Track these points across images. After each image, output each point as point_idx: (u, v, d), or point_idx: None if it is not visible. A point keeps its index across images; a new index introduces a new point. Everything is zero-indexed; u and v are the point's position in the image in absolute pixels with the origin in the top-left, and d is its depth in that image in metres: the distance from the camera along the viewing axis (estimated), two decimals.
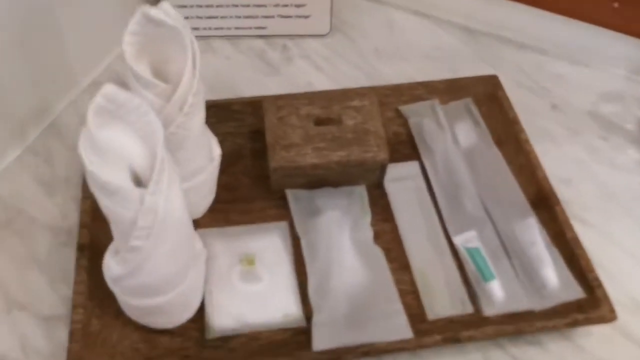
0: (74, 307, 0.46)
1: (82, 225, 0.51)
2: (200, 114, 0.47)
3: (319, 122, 0.55)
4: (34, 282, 0.52)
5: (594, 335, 0.50)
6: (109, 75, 0.66)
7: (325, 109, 0.56)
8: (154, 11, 0.42)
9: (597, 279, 0.50)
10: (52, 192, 0.57)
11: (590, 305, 0.48)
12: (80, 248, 0.49)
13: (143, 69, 0.44)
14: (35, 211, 0.56)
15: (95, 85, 0.65)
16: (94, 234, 0.51)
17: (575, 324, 0.48)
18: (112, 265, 0.42)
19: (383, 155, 0.54)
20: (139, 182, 0.40)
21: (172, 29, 0.42)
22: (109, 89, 0.37)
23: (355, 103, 0.57)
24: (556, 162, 0.61)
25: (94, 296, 0.48)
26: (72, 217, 0.56)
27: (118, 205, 0.38)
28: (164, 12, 0.43)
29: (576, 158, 0.63)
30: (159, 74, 0.45)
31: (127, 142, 0.38)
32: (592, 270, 0.50)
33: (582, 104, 0.68)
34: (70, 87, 0.64)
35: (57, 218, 0.56)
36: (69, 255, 0.52)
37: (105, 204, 0.38)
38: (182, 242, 0.43)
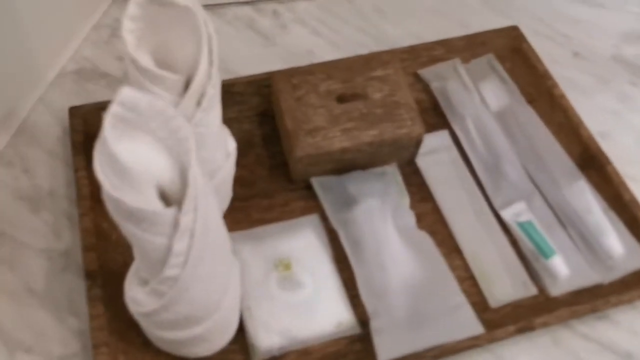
0: (95, 346, 0.40)
1: (87, 248, 0.44)
2: (218, 107, 0.40)
3: (342, 98, 0.49)
4: (35, 317, 0.44)
5: None
6: (77, 64, 0.57)
7: (346, 82, 0.49)
8: None
9: None
10: (36, 209, 0.49)
11: None
12: (90, 276, 0.42)
13: (147, 60, 0.36)
14: (21, 233, 0.48)
15: (64, 77, 0.57)
16: (100, 257, 0.44)
17: None
18: (141, 299, 0.35)
19: (419, 129, 0.48)
20: (165, 198, 0.33)
21: (182, 9, 0.35)
22: (127, 93, 0.29)
23: (379, 73, 0.50)
24: (589, 115, 0.56)
25: (116, 330, 0.41)
26: (66, 236, 0.48)
27: (148, 233, 0.31)
28: None
29: (609, 108, 0.59)
30: (163, 63, 0.38)
31: (151, 155, 0.31)
32: None
33: (604, 49, 0.64)
34: (36, 81, 0.55)
35: (50, 239, 0.48)
36: (73, 282, 0.46)
37: (133, 232, 0.31)
38: (220, 260, 0.37)
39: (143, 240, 0.32)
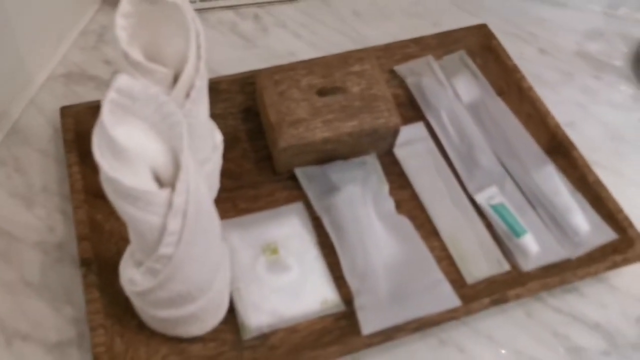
0: (93, 328, 0.41)
1: (81, 238, 0.46)
2: (206, 99, 0.43)
3: (323, 92, 0.52)
4: (32, 307, 0.46)
5: (626, 274, 0.50)
6: (66, 68, 0.60)
7: (326, 77, 0.52)
8: None
9: (627, 219, 0.49)
10: (31, 205, 0.51)
11: (625, 245, 0.48)
12: (85, 263, 0.44)
13: (137, 55, 0.39)
14: (16, 229, 0.50)
15: (54, 80, 0.59)
16: (94, 246, 0.45)
17: (615, 265, 0.47)
18: (137, 279, 0.38)
19: (395, 119, 0.51)
20: (159, 181, 0.35)
21: (172, 6, 0.37)
22: (123, 80, 0.32)
23: (356, 68, 0.53)
24: (556, 107, 0.59)
25: (111, 314, 0.43)
26: (60, 229, 0.50)
27: (143, 211, 0.33)
28: None
29: (574, 100, 0.63)
30: (154, 57, 0.40)
31: (146, 139, 0.34)
32: (620, 210, 0.50)
33: (568, 45, 0.67)
34: (27, 84, 0.57)
35: (44, 233, 0.50)
36: (67, 272, 0.47)
37: (128, 211, 0.34)
38: (212, 242, 0.39)
39: (138, 219, 0.34)
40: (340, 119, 0.50)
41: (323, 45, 0.65)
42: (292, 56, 0.63)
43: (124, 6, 0.37)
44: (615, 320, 0.48)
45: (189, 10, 0.38)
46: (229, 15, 0.67)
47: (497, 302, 0.45)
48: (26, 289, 0.47)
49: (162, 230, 0.35)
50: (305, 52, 0.64)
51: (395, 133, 0.52)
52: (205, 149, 0.45)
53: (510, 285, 0.46)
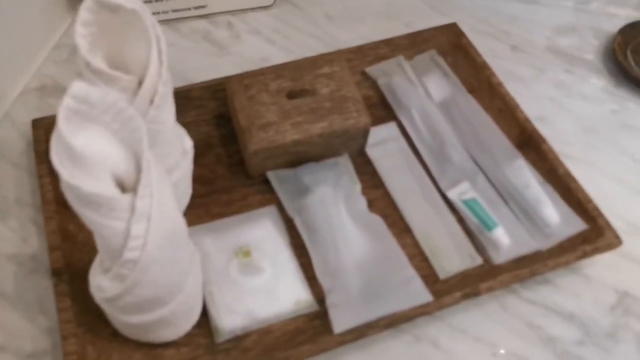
0: (64, 337, 0.42)
1: (53, 248, 0.46)
2: (171, 105, 0.43)
3: (292, 95, 0.52)
4: (6, 319, 0.46)
5: (598, 264, 0.50)
6: (40, 81, 0.60)
7: (295, 80, 0.53)
8: None
9: (596, 209, 0.50)
10: (4, 217, 0.51)
11: (595, 235, 0.48)
12: (56, 273, 0.44)
13: (100, 62, 0.39)
14: None
15: (27, 94, 0.59)
16: (66, 255, 0.46)
17: (585, 255, 0.47)
18: (105, 285, 0.38)
19: (365, 119, 0.52)
20: (123, 188, 0.36)
21: (131, 13, 0.38)
22: (79, 87, 0.32)
23: (325, 70, 0.54)
24: (528, 101, 0.60)
25: (83, 322, 0.43)
26: (33, 240, 0.50)
27: (106, 217, 0.34)
28: None
29: (547, 95, 0.63)
30: (117, 65, 0.41)
31: (106, 145, 0.34)
32: (589, 201, 0.50)
33: (540, 41, 0.68)
34: (0, 98, 0.58)
35: (18, 244, 0.50)
36: (41, 283, 0.48)
37: (91, 218, 0.34)
38: (179, 244, 0.39)
39: (102, 225, 0.35)
40: (310, 120, 0.51)
41: (296, 50, 0.65)
42: (265, 62, 0.64)
43: (83, 14, 0.37)
44: (589, 309, 0.48)
45: (148, 16, 0.39)
46: (202, 24, 0.67)
47: (468, 296, 0.45)
48: (1, 300, 0.47)
49: (126, 235, 0.35)
50: (279, 57, 0.64)
51: (365, 133, 0.53)
52: (174, 154, 0.46)
53: (483, 279, 0.46)
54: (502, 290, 0.48)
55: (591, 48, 0.67)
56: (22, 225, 0.51)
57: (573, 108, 0.62)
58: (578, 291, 0.49)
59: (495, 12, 0.71)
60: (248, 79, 0.52)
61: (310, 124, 0.50)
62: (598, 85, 0.64)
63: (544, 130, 0.58)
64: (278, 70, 0.53)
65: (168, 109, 0.42)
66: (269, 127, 0.50)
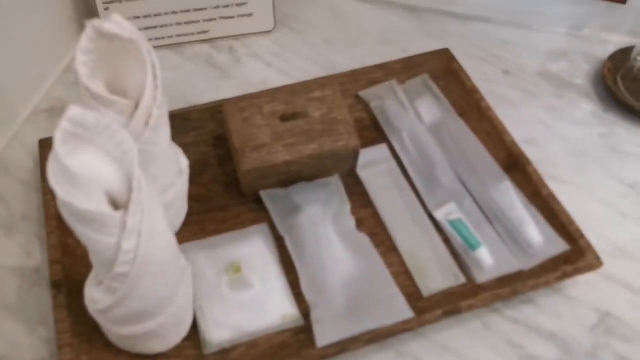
0: (60, 347, 0.44)
1: (53, 262, 0.48)
2: (166, 127, 0.45)
3: (285, 117, 0.54)
4: (9, 329, 0.48)
5: (581, 285, 0.51)
6: (49, 103, 0.63)
7: (288, 104, 0.55)
8: (107, 25, 0.40)
9: (578, 231, 0.51)
10: (10, 233, 0.54)
11: (576, 256, 0.50)
12: (56, 285, 0.47)
13: (99, 87, 0.42)
14: None
15: (37, 115, 0.62)
16: (66, 269, 0.48)
17: (565, 276, 0.49)
18: (97, 297, 0.40)
19: (354, 141, 0.54)
20: (116, 206, 0.38)
21: (128, 42, 0.40)
22: (74, 111, 0.35)
23: (318, 94, 0.56)
24: (518, 125, 0.62)
25: (79, 333, 0.45)
26: (37, 255, 0.53)
27: (99, 233, 0.36)
28: (118, 25, 0.41)
29: (537, 118, 0.65)
30: (116, 90, 0.43)
31: (100, 165, 0.36)
32: (572, 222, 0.51)
33: (532, 66, 0.70)
34: (10, 120, 0.61)
35: (22, 258, 0.53)
36: (42, 295, 0.50)
37: (85, 233, 0.36)
38: (169, 260, 0.41)
39: (95, 241, 0.37)
40: (302, 142, 0.53)
41: (293, 73, 0.68)
42: (264, 85, 0.66)
43: (84, 43, 0.40)
44: (570, 329, 0.49)
45: (144, 44, 0.41)
46: (205, 48, 0.70)
47: (450, 313, 0.46)
48: (4, 312, 0.50)
49: (118, 250, 0.37)
50: (277, 80, 0.67)
51: (355, 154, 0.55)
52: (170, 173, 0.48)
53: (464, 297, 0.47)
54: (485, 309, 0.50)
55: (582, 73, 0.69)
56: (27, 239, 0.53)
57: (562, 131, 0.63)
58: (560, 311, 0.50)
59: (488, 37, 0.73)
60: (243, 102, 0.55)
61: (302, 145, 0.53)
62: (588, 109, 0.66)
63: (533, 152, 0.60)
64: (272, 94, 0.56)
65: (163, 131, 0.45)
66: (262, 148, 0.52)
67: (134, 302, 0.39)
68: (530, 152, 0.59)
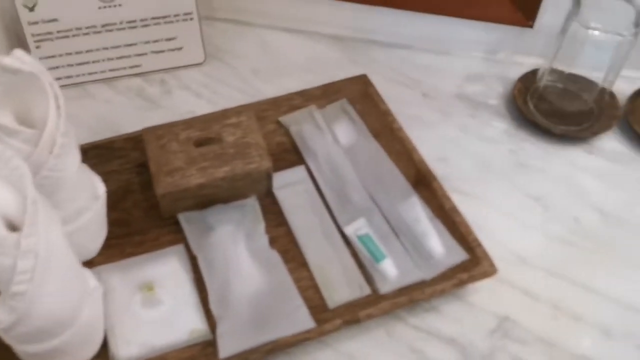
0: None
1: None
2: (73, 154, 0.48)
3: (200, 143, 0.57)
4: None
5: (482, 292, 0.54)
6: None
7: (204, 130, 0.58)
8: (7, 60, 0.43)
9: (476, 240, 0.54)
10: None
11: (473, 264, 0.52)
12: None
13: (4, 118, 0.44)
14: None
15: None
16: None
17: (461, 283, 0.51)
18: (0, 316, 0.42)
19: (266, 163, 0.56)
20: (14, 228, 0.40)
21: (30, 75, 0.43)
22: None
23: (233, 120, 0.59)
24: (432, 144, 0.66)
25: None
26: None
27: None
28: (19, 60, 0.44)
29: (450, 137, 0.68)
30: (24, 121, 0.46)
31: None
32: (471, 233, 0.54)
33: (449, 89, 0.73)
34: None
35: None
36: None
37: None
38: (69, 280, 0.43)
39: None
40: (215, 165, 0.56)
41: (222, 103, 0.71)
42: (191, 114, 0.68)
43: None
44: (469, 334, 0.51)
45: (46, 77, 0.44)
46: (137, 81, 0.73)
47: (349, 323, 0.49)
48: None
49: (14, 269, 0.39)
50: (205, 110, 0.69)
51: (268, 176, 0.58)
52: (81, 199, 0.50)
53: (364, 307, 0.50)
54: (390, 318, 0.52)
55: (496, 94, 0.73)
56: None
57: (474, 149, 0.67)
58: (461, 317, 0.53)
59: (410, 63, 0.77)
60: (161, 130, 0.58)
61: (215, 168, 0.55)
62: (500, 128, 0.69)
63: (445, 169, 0.63)
64: (189, 122, 0.59)
65: (70, 158, 0.47)
66: (176, 172, 0.55)
67: (35, 320, 0.41)
68: (443, 168, 0.63)
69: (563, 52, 0.65)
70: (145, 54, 0.72)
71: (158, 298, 0.51)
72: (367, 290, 0.52)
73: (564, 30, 0.63)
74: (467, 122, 0.70)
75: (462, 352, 0.50)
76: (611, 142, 0.67)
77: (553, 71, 0.68)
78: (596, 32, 0.61)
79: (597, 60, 0.65)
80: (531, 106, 0.69)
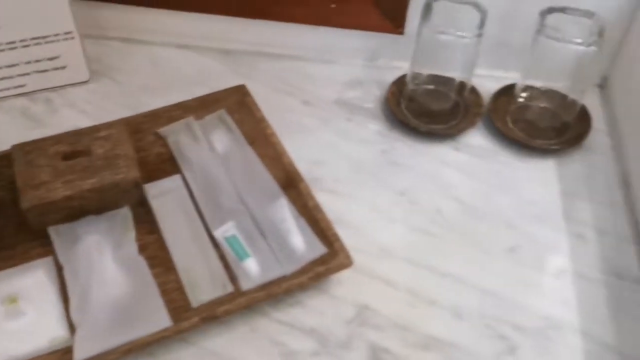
0: None
1: None
2: None
3: (68, 157, 0.59)
4: None
5: (345, 284, 0.57)
6: None
7: (73, 144, 0.59)
8: None
9: (335, 235, 0.56)
10: None
11: (331, 257, 0.55)
12: None
13: None
14: None
15: None
16: None
17: (319, 276, 0.54)
18: None
19: (134, 173, 0.58)
20: None
21: None
22: None
23: (103, 134, 0.61)
24: (310, 148, 0.69)
25: None
26: None
27: None
28: None
29: (327, 141, 0.71)
30: None
31: None
32: (330, 228, 0.57)
33: (329, 96, 0.77)
34: None
35: None
36: None
37: None
38: None
39: None
40: (82, 177, 0.57)
41: (104, 118, 0.72)
42: None
43: None
44: (329, 324, 0.54)
45: None
46: (22, 101, 0.74)
47: (207, 320, 0.51)
48: None
49: None
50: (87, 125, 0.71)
51: (137, 185, 0.59)
52: None
53: (223, 304, 0.52)
54: (254, 314, 0.54)
55: (373, 98, 0.77)
56: None
57: (349, 151, 0.70)
58: (323, 309, 0.55)
59: (296, 73, 0.80)
60: (29, 146, 0.59)
61: (82, 180, 0.57)
62: (374, 129, 0.73)
63: (320, 171, 0.66)
64: (59, 137, 0.60)
65: None
66: (41, 186, 0.56)
67: None
68: (318, 171, 0.66)
69: (424, 55, 0.69)
70: (29, 73, 0.73)
71: (20, 310, 0.52)
72: (230, 288, 0.54)
73: (418, 35, 0.67)
74: (344, 126, 0.73)
75: (321, 341, 0.53)
76: (476, 138, 0.72)
77: (417, 74, 0.72)
78: (445, 36, 0.65)
79: (452, 61, 0.69)
80: (403, 107, 0.73)
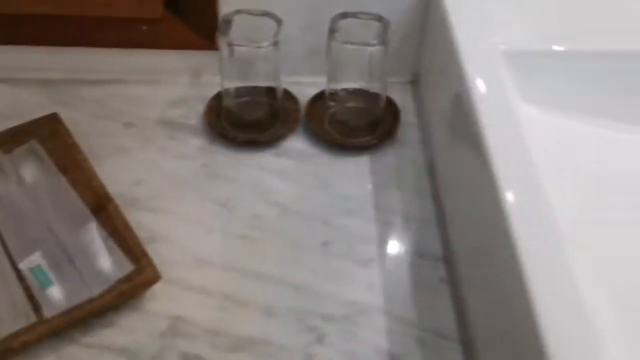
0: None
1: None
2: None
3: None
4: None
5: (159, 299, 0.57)
6: None
7: None
8: None
9: (142, 252, 0.57)
10: None
11: (137, 274, 0.55)
12: None
13: None
14: None
15: None
16: None
17: (123, 293, 0.54)
18: None
19: None
20: None
21: None
22: None
23: None
24: (130, 170, 0.69)
25: None
26: None
27: None
28: None
29: (149, 161, 0.71)
30: None
31: None
32: (138, 245, 0.57)
33: (152, 116, 0.77)
34: None
35: None
36: None
37: None
38: None
39: None
40: None
41: None
42: None
43: None
44: (141, 340, 0.54)
45: None
46: None
47: (4, 354, 0.49)
48: None
49: None
50: None
51: None
52: None
53: (22, 335, 0.50)
54: (62, 341, 0.53)
55: (196, 114, 0.78)
56: None
57: (170, 168, 0.71)
58: (136, 326, 0.55)
59: (119, 97, 0.79)
60: None
61: None
62: (196, 145, 0.74)
63: (140, 191, 0.66)
64: None
65: None
66: None
67: None
68: (138, 191, 0.66)
69: (232, 69, 0.72)
70: None
71: None
72: (33, 319, 0.53)
73: (220, 49, 0.70)
74: (166, 144, 0.74)
75: (131, 359, 0.53)
76: (296, 143, 0.75)
77: (229, 87, 0.74)
78: (243, 48, 0.68)
79: (260, 71, 0.72)
80: (223, 121, 0.75)
